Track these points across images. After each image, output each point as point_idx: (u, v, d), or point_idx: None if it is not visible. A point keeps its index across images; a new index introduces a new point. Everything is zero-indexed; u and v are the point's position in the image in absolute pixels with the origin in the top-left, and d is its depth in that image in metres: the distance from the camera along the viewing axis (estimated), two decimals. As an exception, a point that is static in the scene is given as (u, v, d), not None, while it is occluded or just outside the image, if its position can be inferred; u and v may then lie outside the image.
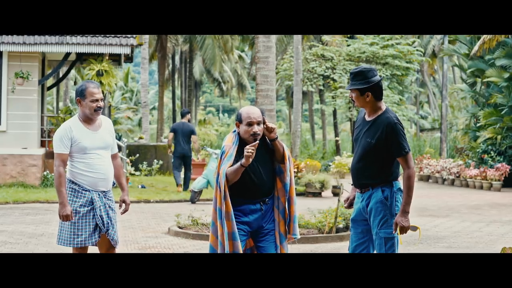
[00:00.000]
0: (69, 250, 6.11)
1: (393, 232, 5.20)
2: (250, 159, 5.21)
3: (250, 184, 5.36)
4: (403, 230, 5.16)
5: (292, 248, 5.90)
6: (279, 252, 5.59)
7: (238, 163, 5.27)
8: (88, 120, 5.92)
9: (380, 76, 5.31)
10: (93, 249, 6.18)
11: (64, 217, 5.77)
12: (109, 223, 5.93)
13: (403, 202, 5.17)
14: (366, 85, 5.21)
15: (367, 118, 5.33)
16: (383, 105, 5.32)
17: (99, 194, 5.92)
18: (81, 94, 5.88)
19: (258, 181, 5.38)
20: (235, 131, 5.56)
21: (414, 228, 5.29)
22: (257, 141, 5.25)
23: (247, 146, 5.19)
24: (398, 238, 5.30)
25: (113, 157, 6.14)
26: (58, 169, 5.79)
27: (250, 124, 5.31)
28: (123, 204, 6.18)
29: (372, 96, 5.24)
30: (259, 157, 5.40)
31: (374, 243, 5.34)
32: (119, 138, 24.20)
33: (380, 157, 5.24)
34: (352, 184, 5.61)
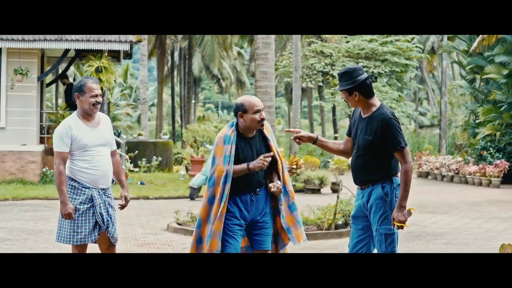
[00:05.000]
0: (68, 247, 6.11)
1: (392, 227, 5.21)
2: (262, 169, 5.40)
3: (244, 175, 5.44)
4: (400, 224, 5.16)
5: (292, 245, 5.88)
6: (273, 247, 5.63)
7: (245, 165, 5.40)
8: (87, 116, 5.90)
9: (373, 73, 5.34)
10: (92, 246, 6.18)
11: (66, 216, 5.76)
12: (109, 221, 5.92)
13: (400, 197, 5.17)
14: (351, 85, 5.23)
15: (363, 115, 5.34)
16: (377, 102, 5.32)
17: (99, 192, 5.91)
18: (80, 89, 5.86)
19: (252, 173, 5.45)
20: (232, 124, 5.57)
21: (410, 213, 5.28)
22: (271, 153, 5.45)
23: (262, 157, 5.35)
24: (398, 234, 5.32)
25: (112, 154, 6.13)
26: (58, 168, 5.77)
27: (258, 111, 5.43)
28: (124, 200, 6.17)
29: (360, 94, 5.25)
30: (256, 150, 5.50)
31: (374, 239, 5.34)
32: (118, 134, 24.19)
33: (379, 153, 5.25)
34: (355, 184, 5.59)
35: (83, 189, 5.86)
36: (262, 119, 5.45)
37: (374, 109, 5.28)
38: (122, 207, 6.18)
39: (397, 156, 5.23)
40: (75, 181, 5.87)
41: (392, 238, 5.26)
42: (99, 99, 5.85)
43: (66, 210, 5.74)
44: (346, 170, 23.47)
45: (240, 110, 5.46)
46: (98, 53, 18.10)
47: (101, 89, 5.69)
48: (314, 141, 5.52)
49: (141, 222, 11.97)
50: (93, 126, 5.92)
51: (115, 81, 18.67)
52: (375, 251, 5.45)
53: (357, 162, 5.37)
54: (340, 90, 5.31)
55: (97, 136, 5.90)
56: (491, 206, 15.20)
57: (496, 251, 8.58)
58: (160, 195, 16.25)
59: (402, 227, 5.19)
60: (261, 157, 5.36)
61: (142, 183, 18.77)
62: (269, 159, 5.38)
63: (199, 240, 5.50)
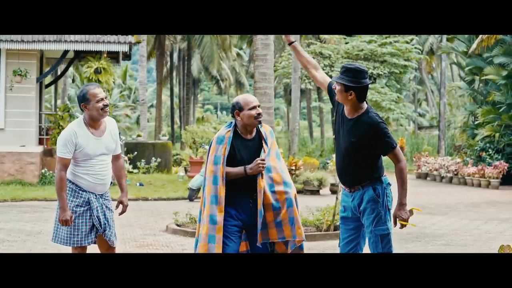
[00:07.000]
0: (68, 248, 6.11)
1: (393, 226, 5.22)
2: (259, 172, 5.36)
3: (242, 179, 5.41)
4: (403, 222, 5.18)
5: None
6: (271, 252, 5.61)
7: (242, 169, 5.37)
8: (93, 124, 5.87)
9: (371, 78, 5.35)
10: (92, 247, 6.17)
11: (64, 222, 5.75)
12: (106, 224, 5.91)
13: (399, 195, 5.18)
14: (353, 84, 5.20)
15: (348, 116, 5.31)
16: (364, 104, 5.32)
17: (96, 195, 5.91)
18: (84, 98, 5.81)
19: (249, 176, 5.41)
20: (229, 125, 5.55)
21: (411, 212, 5.29)
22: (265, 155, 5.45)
23: (260, 160, 5.34)
24: (392, 234, 5.33)
25: (116, 158, 6.11)
26: (59, 173, 5.75)
27: (254, 107, 5.42)
28: (120, 205, 6.16)
29: (355, 96, 5.23)
30: (254, 152, 5.46)
31: (368, 240, 5.34)
32: (117, 135, 24.18)
33: (366, 156, 5.25)
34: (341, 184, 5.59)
35: (81, 192, 5.86)
36: (259, 114, 5.43)
37: (361, 111, 5.27)
38: (121, 212, 6.18)
39: (390, 156, 5.25)
40: (74, 184, 5.87)
41: (388, 239, 5.27)
42: (106, 102, 5.82)
43: (64, 216, 5.74)
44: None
45: (236, 108, 5.46)
46: (97, 54, 18.12)
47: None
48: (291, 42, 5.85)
49: (140, 223, 11.97)
50: (99, 135, 5.89)
51: (114, 82, 18.71)
52: (365, 249, 5.45)
53: (344, 165, 5.36)
54: (337, 82, 5.29)
55: (100, 146, 5.87)
56: (490, 207, 15.20)
57: (495, 252, 8.58)
58: (159, 196, 16.24)
59: (405, 225, 5.20)
60: (258, 160, 5.34)
61: (141, 184, 18.77)
62: (266, 162, 5.37)
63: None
